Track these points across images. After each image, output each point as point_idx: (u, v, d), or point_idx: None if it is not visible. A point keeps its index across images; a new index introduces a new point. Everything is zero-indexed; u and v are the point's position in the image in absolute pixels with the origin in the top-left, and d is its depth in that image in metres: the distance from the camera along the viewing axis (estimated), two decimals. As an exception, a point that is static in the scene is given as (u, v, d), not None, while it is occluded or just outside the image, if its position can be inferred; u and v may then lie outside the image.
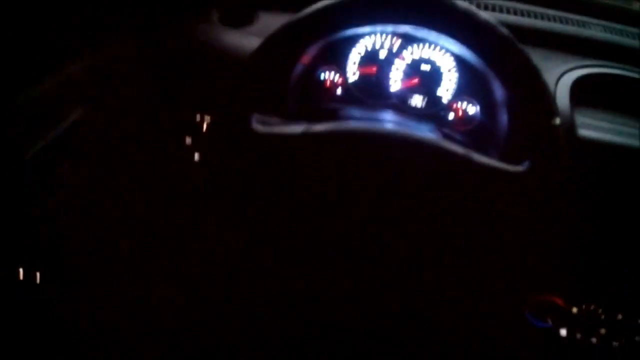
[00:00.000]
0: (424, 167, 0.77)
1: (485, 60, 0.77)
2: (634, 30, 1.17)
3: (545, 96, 0.74)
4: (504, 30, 0.73)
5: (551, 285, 1.03)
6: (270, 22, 0.98)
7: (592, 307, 1.02)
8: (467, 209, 0.82)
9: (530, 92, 0.74)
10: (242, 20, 1.04)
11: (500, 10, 1.14)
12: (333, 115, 0.97)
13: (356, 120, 0.87)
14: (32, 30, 0.75)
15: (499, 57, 0.75)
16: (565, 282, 1.02)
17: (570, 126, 0.94)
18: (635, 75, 1.04)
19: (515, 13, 1.14)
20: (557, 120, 0.74)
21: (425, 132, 0.96)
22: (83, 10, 0.85)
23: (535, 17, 1.14)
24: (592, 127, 0.96)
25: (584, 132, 0.94)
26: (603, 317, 1.03)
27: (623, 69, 1.05)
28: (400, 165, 0.77)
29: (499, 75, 0.79)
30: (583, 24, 1.15)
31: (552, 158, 0.74)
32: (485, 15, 0.73)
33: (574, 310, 1.03)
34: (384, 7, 0.76)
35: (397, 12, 0.76)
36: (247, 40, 0.94)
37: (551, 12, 1.17)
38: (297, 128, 0.77)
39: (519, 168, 0.76)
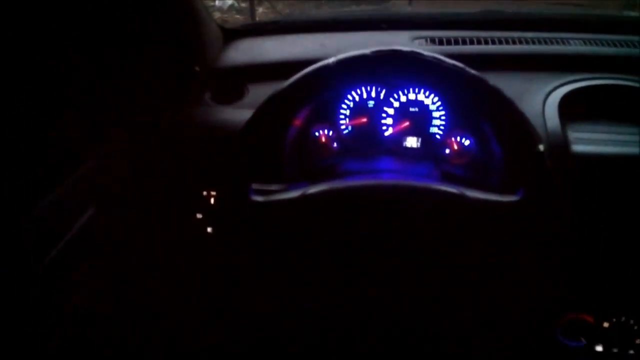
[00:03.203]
0: (422, 213, 0.79)
1: (462, 100, 0.80)
2: (615, 38, 1.18)
3: (523, 125, 0.76)
4: (472, 72, 0.77)
5: (577, 305, 1.02)
6: (260, 93, 1.04)
7: (623, 320, 1.01)
8: (471, 243, 0.83)
9: (509, 124, 0.77)
10: (233, 96, 1.10)
11: (479, 42, 1.17)
12: (331, 171, 1.00)
13: (352, 175, 0.90)
14: (39, 136, 0.81)
15: (472, 96, 0.78)
16: (590, 299, 1.01)
17: (563, 144, 0.95)
18: (622, 83, 1.05)
19: (493, 42, 1.17)
20: (541, 147, 0.76)
21: (422, 174, 0.99)
22: (82, 113, 0.92)
23: (514, 43, 1.17)
24: (586, 141, 0.97)
25: (577, 148, 0.95)
26: (636, 327, 1.01)
27: (608, 78, 1.06)
28: (398, 214, 0.80)
29: (477, 111, 0.82)
30: (562, 41, 1.18)
31: (543, 184, 0.76)
32: (451, 61, 0.77)
33: (606, 325, 1.02)
34: (358, 69, 0.80)
35: (371, 71, 0.80)
36: (239, 114, 1.00)
37: (529, 34, 1.20)
38: (294, 193, 0.81)
39: (513, 198, 0.78)
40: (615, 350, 1.03)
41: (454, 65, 0.77)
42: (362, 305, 1.01)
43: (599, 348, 1.03)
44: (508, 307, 1.02)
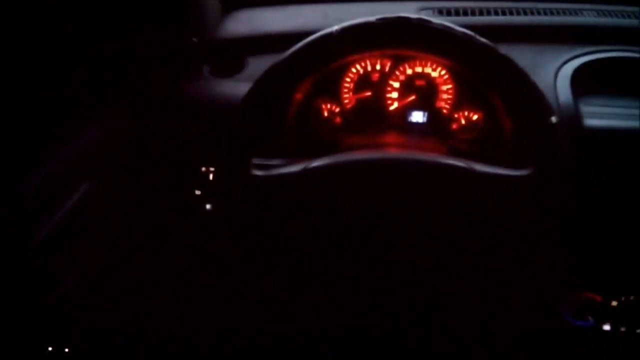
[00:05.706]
0: (428, 187, 0.77)
1: (472, 70, 0.76)
2: (629, 9, 1.14)
3: (536, 97, 0.73)
4: (482, 40, 0.73)
5: (585, 283, 1.00)
6: (260, 66, 1.00)
7: (631, 299, 0.99)
8: (479, 218, 0.81)
9: (521, 95, 0.73)
10: (232, 68, 1.06)
11: (489, 13, 1.13)
12: (334, 146, 0.97)
13: (355, 149, 0.88)
14: (33, 110, 0.79)
15: (482, 66, 0.74)
16: (598, 277, 0.99)
17: (575, 117, 0.92)
18: (636, 55, 1.02)
19: (504, 13, 1.13)
20: (554, 119, 0.72)
21: (427, 149, 0.96)
22: (80, 84, 0.89)
23: (525, 13, 1.13)
24: (598, 115, 0.94)
25: (590, 122, 0.92)
26: (645, 306, 0.99)
27: (621, 50, 1.03)
28: (404, 189, 0.77)
29: (487, 83, 0.79)
30: (575, 12, 1.14)
31: (554, 157, 0.73)
32: (460, 28, 0.73)
33: (614, 304, 1.00)
34: (362, 38, 0.76)
35: (376, 40, 0.77)
36: (238, 87, 0.96)
37: (541, 5, 1.16)
38: (295, 167, 0.78)
39: (523, 172, 0.75)
40: (623, 329, 1.01)
41: (463, 33, 0.73)
42: (367, 280, 0.99)
43: (607, 327, 1.01)
44: (515, 285, 1.00)
